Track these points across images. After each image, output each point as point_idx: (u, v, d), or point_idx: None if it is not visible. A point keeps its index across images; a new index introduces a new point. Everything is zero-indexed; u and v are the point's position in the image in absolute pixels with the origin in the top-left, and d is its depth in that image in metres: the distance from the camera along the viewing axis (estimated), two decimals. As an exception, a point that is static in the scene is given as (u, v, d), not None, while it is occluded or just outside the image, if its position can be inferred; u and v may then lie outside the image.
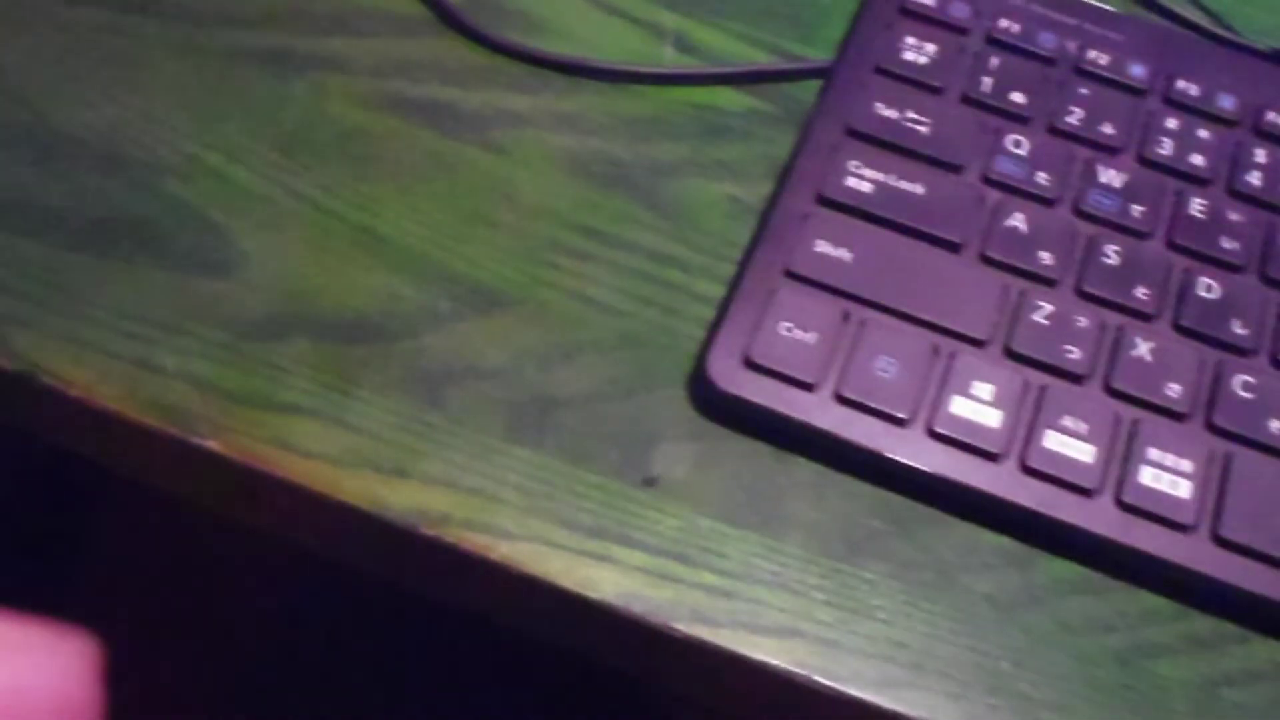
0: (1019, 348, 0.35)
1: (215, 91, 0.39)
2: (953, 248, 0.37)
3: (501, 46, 0.42)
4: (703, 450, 0.34)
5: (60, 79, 0.39)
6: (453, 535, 0.32)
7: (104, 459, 0.35)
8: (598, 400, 0.35)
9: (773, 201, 0.38)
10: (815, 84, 0.42)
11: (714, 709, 0.35)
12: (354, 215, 0.37)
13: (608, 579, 0.32)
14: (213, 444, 0.33)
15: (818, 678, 0.31)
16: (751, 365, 0.34)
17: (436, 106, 0.40)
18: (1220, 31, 0.43)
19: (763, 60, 0.43)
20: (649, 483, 0.33)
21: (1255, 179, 0.39)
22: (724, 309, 0.35)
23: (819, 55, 0.42)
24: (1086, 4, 0.42)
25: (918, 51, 0.41)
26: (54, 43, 0.40)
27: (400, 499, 0.33)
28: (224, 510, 0.35)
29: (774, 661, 0.31)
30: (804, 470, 0.34)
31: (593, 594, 0.32)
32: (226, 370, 0.34)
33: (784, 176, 0.38)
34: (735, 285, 0.36)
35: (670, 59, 0.42)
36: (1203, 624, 0.33)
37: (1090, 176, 0.38)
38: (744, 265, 0.36)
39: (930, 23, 0.41)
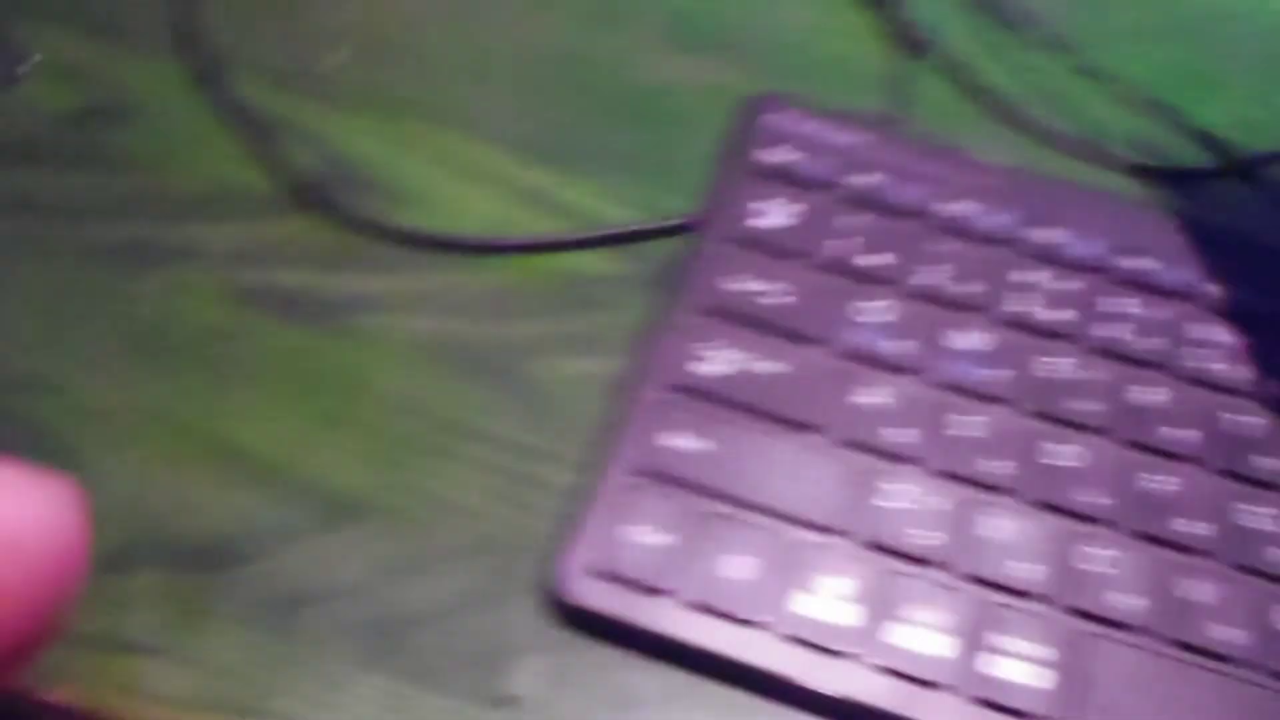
0: (876, 537, 0.35)
1: (66, 295, 0.39)
2: (815, 430, 0.36)
3: (360, 224, 0.42)
4: (559, 663, 0.34)
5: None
6: (302, 778, 0.32)
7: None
8: (452, 614, 0.34)
9: (627, 387, 0.37)
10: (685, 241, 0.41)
11: None
12: (209, 425, 0.37)
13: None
14: (58, 694, 0.32)
15: None
16: (603, 574, 0.34)
17: (293, 296, 0.40)
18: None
19: (634, 216, 0.42)
20: (504, 702, 0.33)
21: (1118, 332, 0.39)
22: (578, 510, 0.35)
23: (689, 207, 0.42)
24: (945, 148, 0.42)
25: (773, 215, 0.40)
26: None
27: (250, 740, 0.32)
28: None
29: None
30: (667, 679, 0.34)
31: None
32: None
33: (639, 360, 0.38)
34: (589, 484, 0.36)
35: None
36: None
37: (952, 340, 0.38)
38: (597, 461, 0.36)
39: (785, 180, 0.41)
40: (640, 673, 0.34)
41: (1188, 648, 0.33)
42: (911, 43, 0.47)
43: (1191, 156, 0.46)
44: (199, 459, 0.36)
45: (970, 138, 0.45)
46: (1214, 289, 0.39)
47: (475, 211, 0.43)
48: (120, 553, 0.35)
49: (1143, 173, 0.46)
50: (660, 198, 0.43)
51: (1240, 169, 0.45)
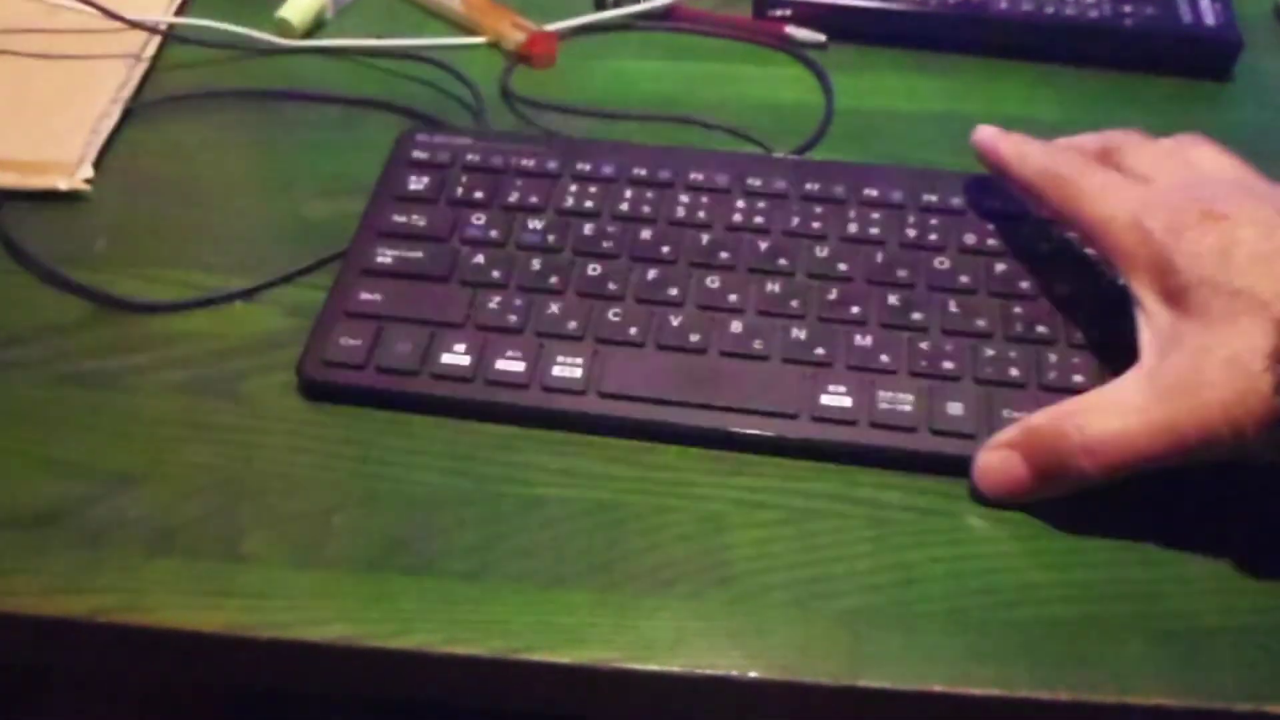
0: (480, 322, 0.61)
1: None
2: (443, 280, 0.63)
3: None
4: (314, 419, 0.59)
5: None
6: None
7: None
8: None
9: (335, 279, 0.64)
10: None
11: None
12: (42, 450, 0.62)
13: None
14: None
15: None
16: (326, 362, 0.60)
17: (91, 374, 0.62)
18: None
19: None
20: (276, 438, 0.58)
21: (625, 206, 0.67)
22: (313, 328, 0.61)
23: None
24: (517, 134, 0.71)
25: (418, 183, 0.68)
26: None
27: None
28: None
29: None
30: (377, 414, 0.59)
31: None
32: None
33: (341, 264, 0.64)
34: (318, 317, 0.61)
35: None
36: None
37: (528, 225, 0.66)
38: (322, 308, 0.62)
39: (426, 165, 0.69)
40: (360, 412, 0.59)
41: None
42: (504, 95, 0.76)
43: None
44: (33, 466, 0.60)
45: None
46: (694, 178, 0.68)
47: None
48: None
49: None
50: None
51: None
